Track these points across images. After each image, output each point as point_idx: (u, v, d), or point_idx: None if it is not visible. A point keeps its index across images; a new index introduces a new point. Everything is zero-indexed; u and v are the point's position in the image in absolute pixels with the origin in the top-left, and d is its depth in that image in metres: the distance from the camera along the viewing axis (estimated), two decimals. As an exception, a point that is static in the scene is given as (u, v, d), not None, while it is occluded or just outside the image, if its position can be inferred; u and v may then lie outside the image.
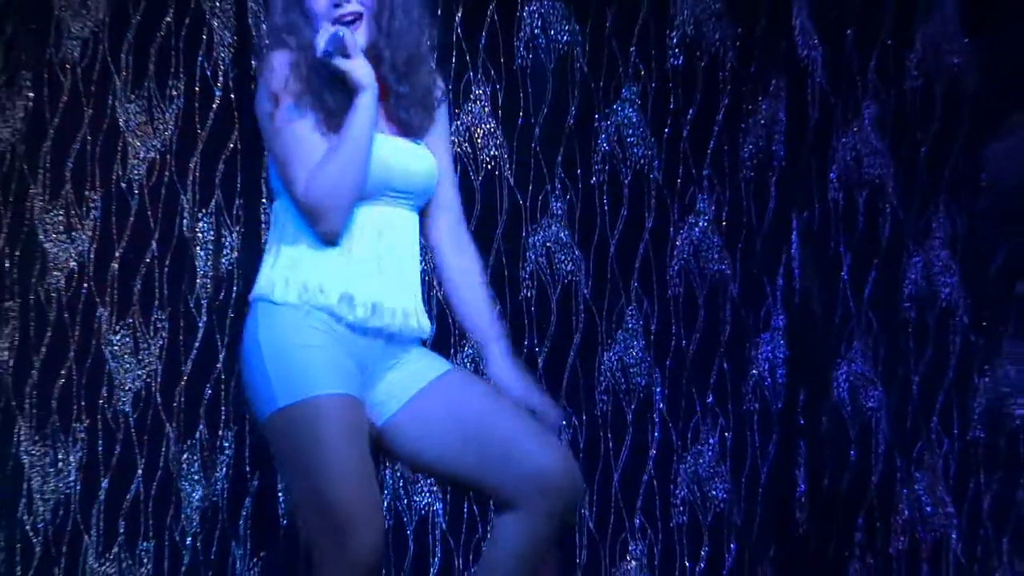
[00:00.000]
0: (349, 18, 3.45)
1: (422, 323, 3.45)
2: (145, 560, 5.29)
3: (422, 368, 3.46)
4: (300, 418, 3.32)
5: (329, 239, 3.38)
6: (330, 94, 3.43)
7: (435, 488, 5.42)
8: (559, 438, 4.05)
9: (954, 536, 5.24)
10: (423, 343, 3.55)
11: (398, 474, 5.39)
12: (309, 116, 3.44)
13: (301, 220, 3.38)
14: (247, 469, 5.33)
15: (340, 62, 3.35)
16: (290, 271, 3.36)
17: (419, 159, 3.53)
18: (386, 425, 3.41)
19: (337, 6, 3.44)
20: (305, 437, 3.33)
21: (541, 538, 3.47)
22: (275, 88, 3.45)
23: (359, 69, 3.39)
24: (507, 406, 3.45)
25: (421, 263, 3.54)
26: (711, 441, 5.55)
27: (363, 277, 3.41)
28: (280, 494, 5.26)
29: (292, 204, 3.40)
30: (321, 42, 3.36)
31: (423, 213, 3.61)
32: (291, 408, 3.31)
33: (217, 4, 5.37)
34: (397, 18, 3.52)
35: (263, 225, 5.29)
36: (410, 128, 3.55)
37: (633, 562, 5.40)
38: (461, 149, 5.49)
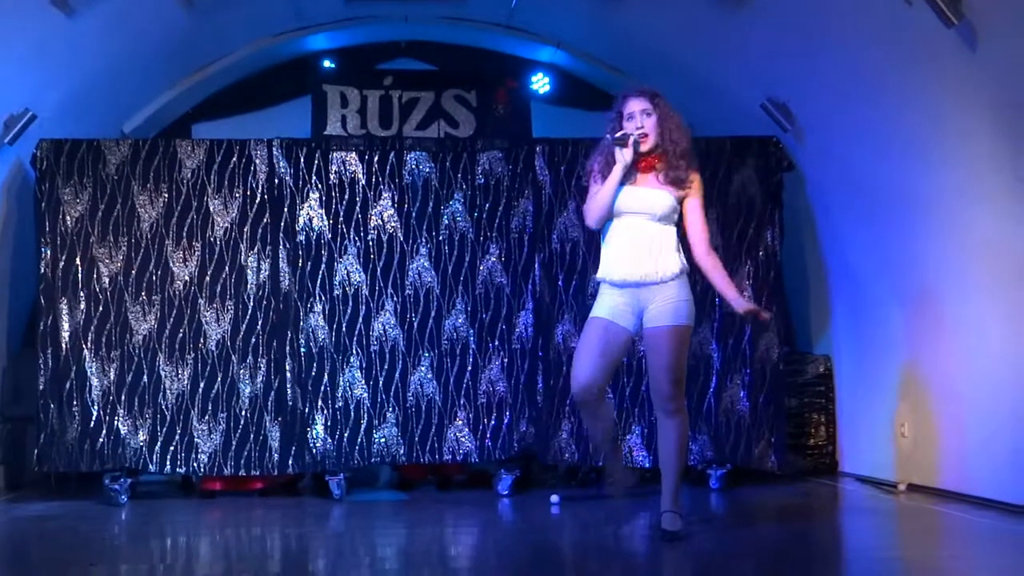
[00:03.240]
0: (640, 132, 5.36)
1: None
2: (214, 424, 7.45)
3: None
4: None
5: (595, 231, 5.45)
6: (607, 169, 5.39)
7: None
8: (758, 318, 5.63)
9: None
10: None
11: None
12: (598, 181, 5.42)
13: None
14: (272, 377, 7.50)
15: (617, 148, 5.33)
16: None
17: (650, 198, 5.34)
18: None
19: (637, 128, 5.36)
20: None
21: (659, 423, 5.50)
22: (588, 172, 5.52)
23: (622, 153, 5.34)
24: None
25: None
26: (500, 361, 7.67)
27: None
28: (290, 387, 7.46)
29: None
30: (619, 133, 5.32)
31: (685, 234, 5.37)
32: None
33: (257, 153, 7.67)
34: (672, 132, 5.41)
35: (280, 259, 7.54)
36: (674, 185, 5.37)
37: (460, 421, 7.59)
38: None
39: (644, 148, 5.39)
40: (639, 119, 5.37)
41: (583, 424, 5.59)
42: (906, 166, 7.07)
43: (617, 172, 5.32)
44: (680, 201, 5.46)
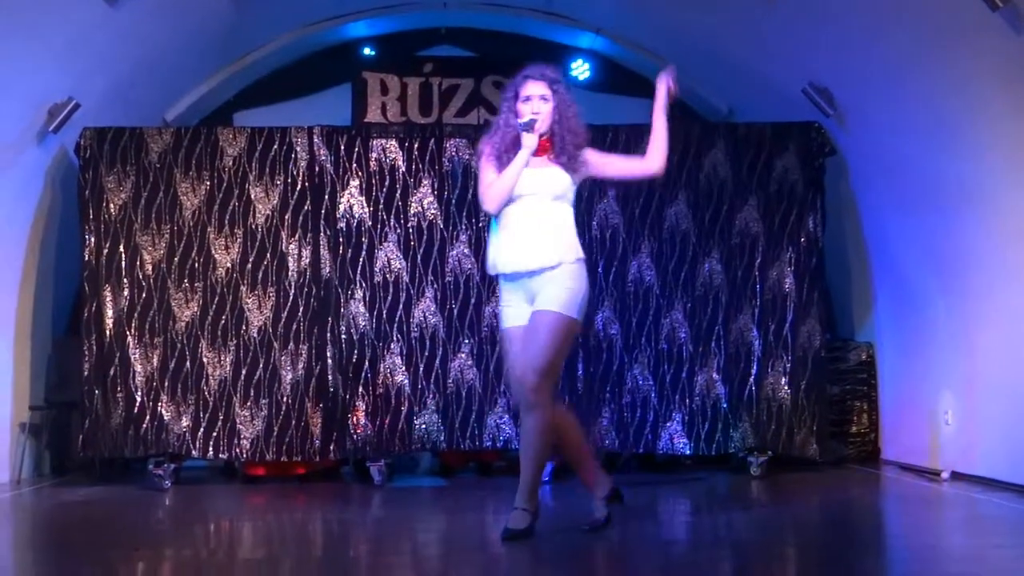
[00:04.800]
0: (535, 116, 5.19)
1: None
2: (256, 410, 7.48)
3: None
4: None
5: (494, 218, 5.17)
6: (509, 153, 5.19)
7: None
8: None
9: (654, 397, 7.60)
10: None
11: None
12: (491, 165, 5.22)
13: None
14: (314, 364, 7.54)
15: (524, 133, 5.17)
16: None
17: (547, 177, 5.19)
18: None
19: (533, 113, 5.20)
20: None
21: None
22: (479, 153, 5.32)
23: (527, 138, 5.19)
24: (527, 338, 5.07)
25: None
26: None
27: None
28: (331, 373, 7.50)
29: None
30: (525, 119, 5.17)
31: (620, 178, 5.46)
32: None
33: (297, 140, 7.71)
34: (568, 120, 5.28)
35: (321, 247, 7.57)
36: (570, 172, 5.24)
37: (500, 407, 7.58)
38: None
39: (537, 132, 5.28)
40: (535, 103, 5.23)
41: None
42: (949, 151, 7.02)
43: (523, 157, 5.17)
44: (576, 178, 5.33)
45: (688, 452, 7.76)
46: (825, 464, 7.79)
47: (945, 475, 7.29)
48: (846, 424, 8.39)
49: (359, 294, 7.75)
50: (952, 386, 7.46)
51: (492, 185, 5.19)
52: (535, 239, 5.17)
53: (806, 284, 7.76)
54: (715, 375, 7.73)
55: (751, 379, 7.75)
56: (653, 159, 5.35)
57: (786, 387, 7.74)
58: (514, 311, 5.22)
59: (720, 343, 7.75)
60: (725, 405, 7.73)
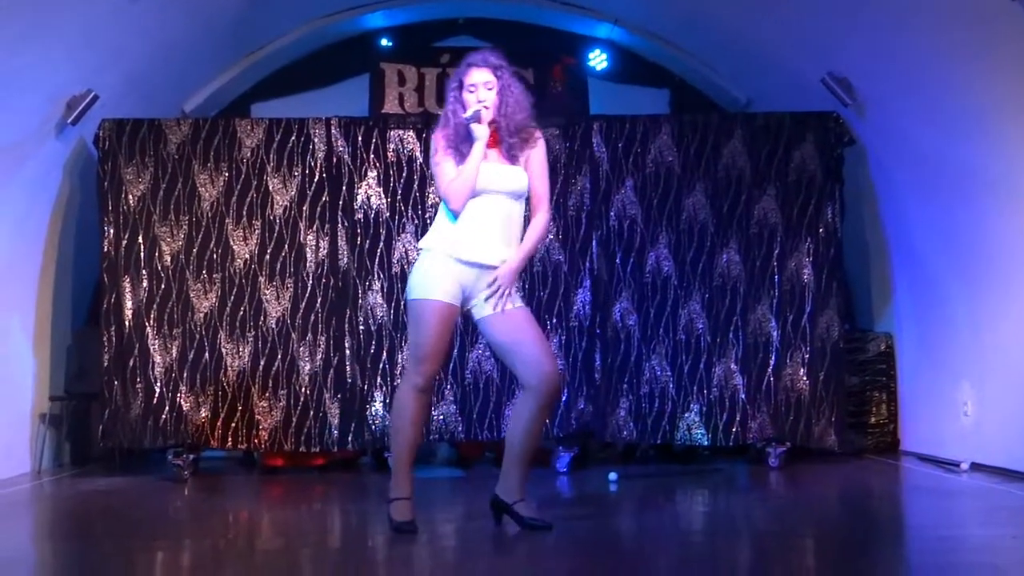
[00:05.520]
0: (482, 105, 5.04)
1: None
2: (274, 401, 7.52)
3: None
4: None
5: (456, 215, 4.98)
6: (464, 145, 5.07)
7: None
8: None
9: (672, 388, 7.60)
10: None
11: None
12: (450, 159, 5.09)
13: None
14: (332, 355, 7.60)
15: (473, 125, 5.04)
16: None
17: (509, 176, 5.10)
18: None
19: (479, 101, 5.05)
20: None
21: (535, 407, 5.08)
22: (435, 147, 5.12)
23: (478, 130, 5.07)
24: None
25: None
26: (558, 339, 7.62)
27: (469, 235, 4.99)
28: (349, 364, 7.56)
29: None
30: (469, 112, 5.03)
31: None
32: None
33: (315, 131, 7.70)
34: (509, 106, 5.11)
35: (339, 238, 7.61)
36: (512, 160, 5.11)
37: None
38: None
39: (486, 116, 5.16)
40: (480, 92, 5.10)
41: (394, 423, 5.41)
42: (969, 141, 7.00)
43: (479, 150, 5.04)
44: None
45: (706, 443, 7.75)
46: (844, 455, 7.77)
47: (964, 466, 7.27)
48: (865, 415, 8.38)
49: (377, 285, 7.76)
50: (971, 377, 7.44)
51: (453, 182, 5.07)
52: (499, 236, 5.09)
53: (825, 275, 7.74)
54: (733, 366, 7.72)
55: (769, 370, 7.73)
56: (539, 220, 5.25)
57: (804, 378, 7.72)
58: (450, 290, 5.08)
59: (738, 334, 7.73)
60: (743, 396, 7.71)
